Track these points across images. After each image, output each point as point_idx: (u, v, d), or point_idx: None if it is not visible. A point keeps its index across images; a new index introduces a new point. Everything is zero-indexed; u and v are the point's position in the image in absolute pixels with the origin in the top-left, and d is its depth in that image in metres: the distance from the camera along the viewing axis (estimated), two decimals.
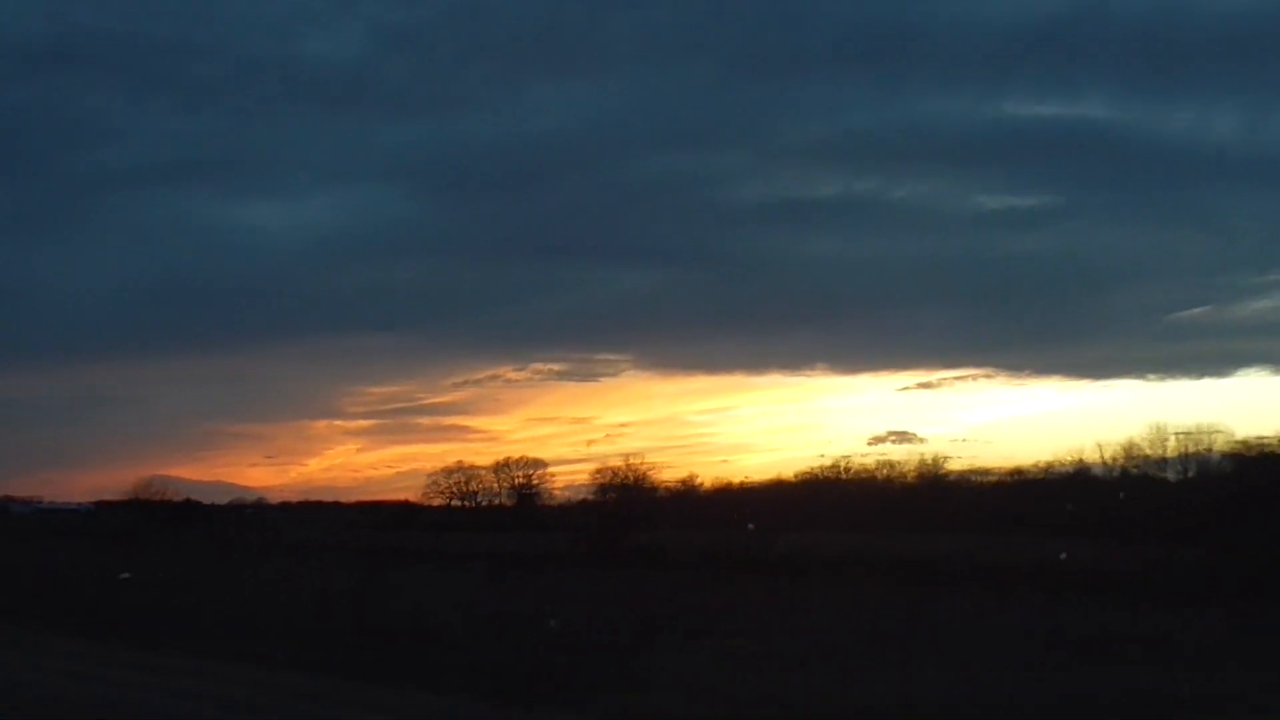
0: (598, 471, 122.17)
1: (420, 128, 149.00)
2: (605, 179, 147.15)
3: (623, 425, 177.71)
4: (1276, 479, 62.24)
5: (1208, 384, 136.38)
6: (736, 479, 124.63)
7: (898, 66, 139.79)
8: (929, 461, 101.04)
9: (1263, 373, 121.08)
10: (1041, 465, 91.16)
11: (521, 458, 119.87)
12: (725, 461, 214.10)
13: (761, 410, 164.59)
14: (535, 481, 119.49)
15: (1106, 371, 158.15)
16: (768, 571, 47.24)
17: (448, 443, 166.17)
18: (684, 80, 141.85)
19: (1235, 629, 28.64)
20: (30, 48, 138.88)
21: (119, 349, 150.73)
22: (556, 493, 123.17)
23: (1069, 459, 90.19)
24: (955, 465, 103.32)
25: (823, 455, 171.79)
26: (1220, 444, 77.29)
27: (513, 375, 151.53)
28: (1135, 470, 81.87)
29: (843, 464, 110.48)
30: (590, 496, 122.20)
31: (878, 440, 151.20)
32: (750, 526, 58.19)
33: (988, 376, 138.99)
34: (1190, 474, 78.44)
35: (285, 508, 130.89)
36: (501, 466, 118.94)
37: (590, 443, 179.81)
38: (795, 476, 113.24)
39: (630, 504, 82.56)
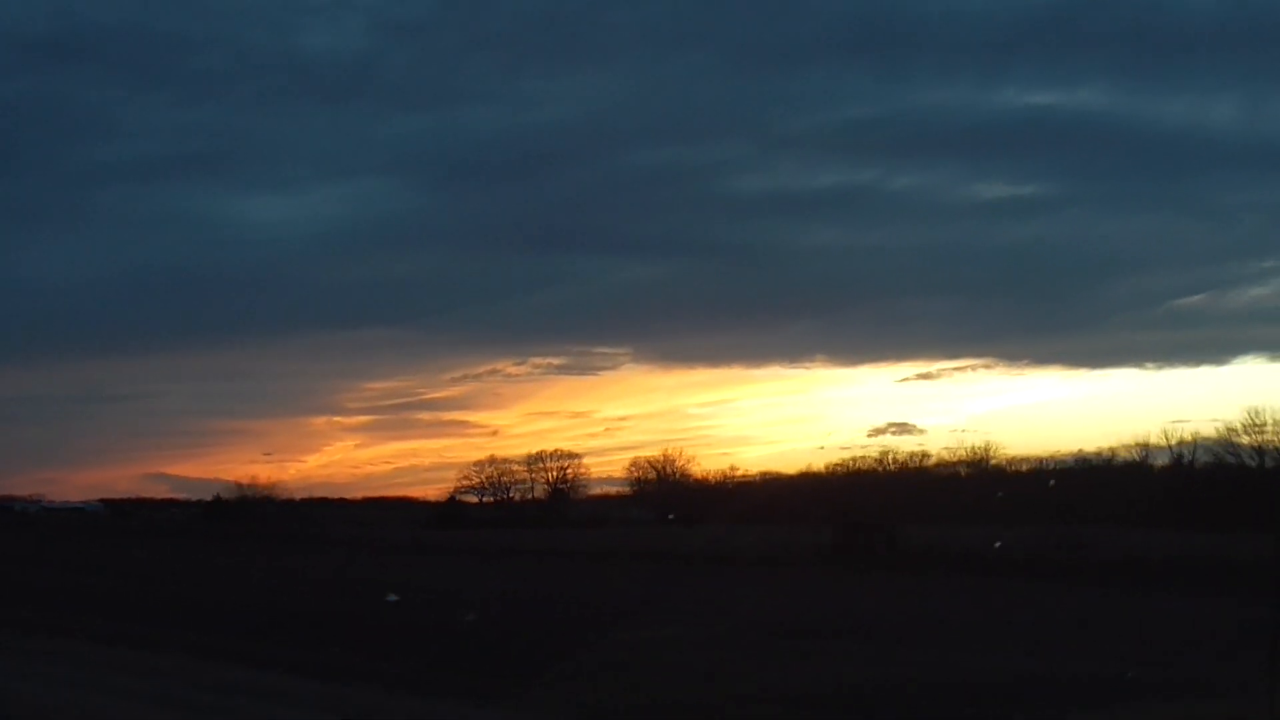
0: (632, 465, 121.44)
1: (420, 120, 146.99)
2: (604, 171, 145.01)
3: (622, 419, 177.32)
4: None
5: (1205, 371, 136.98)
6: (773, 470, 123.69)
7: (896, 56, 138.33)
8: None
9: (1260, 360, 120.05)
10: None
11: (555, 451, 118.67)
12: (725, 454, 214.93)
13: (761, 403, 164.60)
14: (570, 475, 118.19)
15: (1105, 360, 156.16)
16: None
17: (447, 438, 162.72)
18: (683, 71, 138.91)
19: None
20: (29, 40, 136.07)
21: (116, 344, 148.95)
22: (592, 486, 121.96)
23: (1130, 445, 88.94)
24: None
25: (822, 447, 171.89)
26: None
27: (512, 369, 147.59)
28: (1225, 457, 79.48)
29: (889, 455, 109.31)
30: (627, 490, 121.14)
31: (878, 432, 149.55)
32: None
33: (987, 367, 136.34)
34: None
35: (289, 504, 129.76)
36: (535, 460, 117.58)
37: (596, 435, 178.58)
38: (827, 468, 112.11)
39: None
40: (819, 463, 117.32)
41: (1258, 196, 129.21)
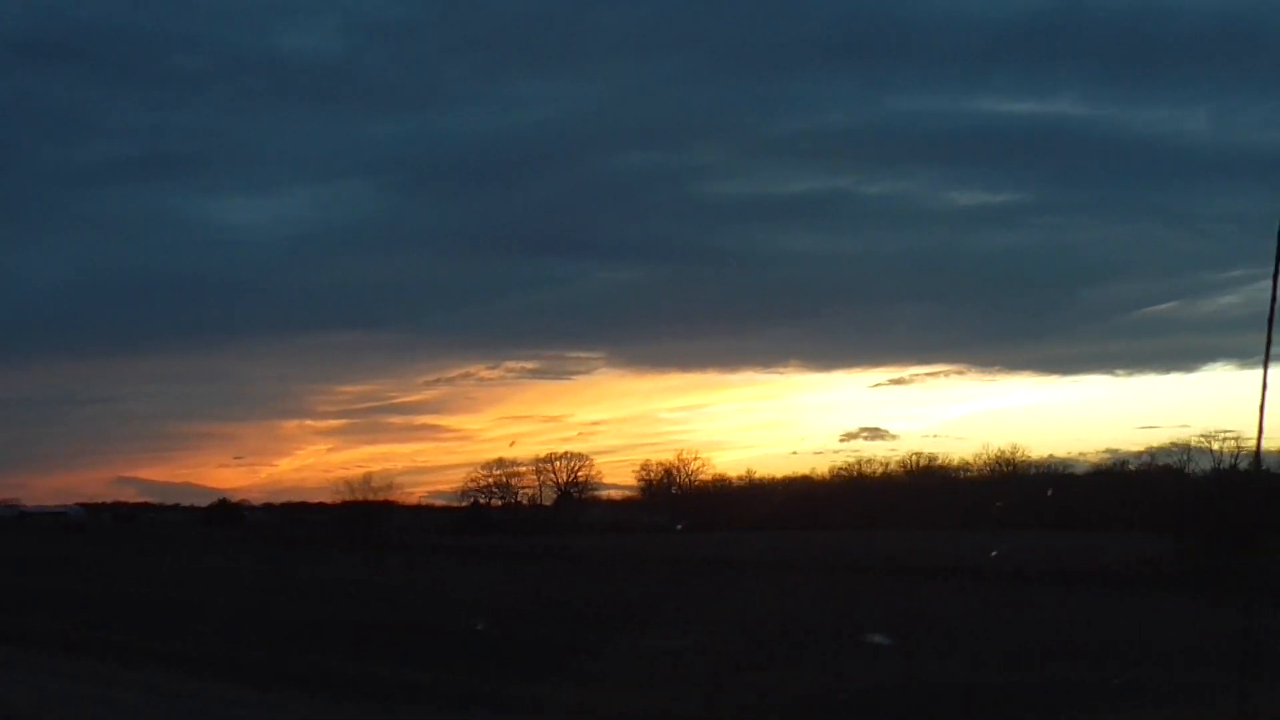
0: (642, 468, 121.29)
1: (399, 123, 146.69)
2: (581, 175, 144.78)
3: (596, 423, 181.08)
4: None
5: (1175, 378, 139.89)
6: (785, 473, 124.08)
7: (875, 64, 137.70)
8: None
9: (1229, 367, 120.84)
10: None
11: (565, 453, 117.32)
12: (699, 459, 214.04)
13: (735, 408, 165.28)
14: (581, 477, 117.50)
15: (1076, 367, 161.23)
16: None
17: (420, 442, 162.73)
18: (663, 76, 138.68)
19: None
20: (6, 39, 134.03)
21: (87, 347, 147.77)
22: (603, 489, 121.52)
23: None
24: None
25: (795, 452, 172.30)
26: None
27: (485, 374, 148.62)
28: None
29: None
30: (636, 494, 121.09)
31: (850, 436, 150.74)
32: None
33: (959, 372, 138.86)
34: None
35: (269, 509, 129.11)
36: (543, 462, 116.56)
37: (570, 439, 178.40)
38: (830, 472, 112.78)
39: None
40: (822, 467, 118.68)
41: (1229, 206, 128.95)
